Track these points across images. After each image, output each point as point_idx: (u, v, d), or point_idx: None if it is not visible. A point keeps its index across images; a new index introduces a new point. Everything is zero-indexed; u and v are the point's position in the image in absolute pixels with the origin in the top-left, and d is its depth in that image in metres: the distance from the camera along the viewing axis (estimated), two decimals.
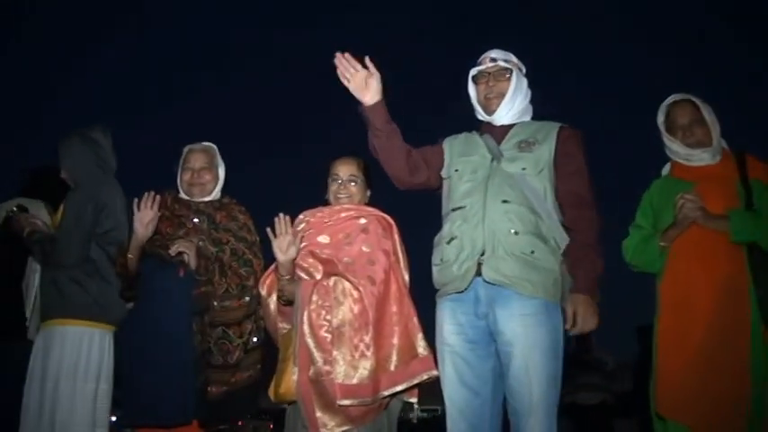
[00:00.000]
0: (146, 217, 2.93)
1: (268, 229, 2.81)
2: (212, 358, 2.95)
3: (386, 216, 3.01)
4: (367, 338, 2.72)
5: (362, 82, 2.60)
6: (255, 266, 3.11)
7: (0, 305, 3.43)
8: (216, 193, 3.26)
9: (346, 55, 2.60)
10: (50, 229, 3.22)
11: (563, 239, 2.57)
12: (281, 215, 2.80)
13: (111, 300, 3.12)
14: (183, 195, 3.24)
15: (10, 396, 3.22)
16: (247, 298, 3.04)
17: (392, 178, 2.86)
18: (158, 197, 2.97)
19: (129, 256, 3.00)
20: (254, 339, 3.06)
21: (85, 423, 2.97)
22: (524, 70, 2.82)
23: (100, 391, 3.05)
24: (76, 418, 2.95)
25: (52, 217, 3.45)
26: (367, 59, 2.60)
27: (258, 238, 3.19)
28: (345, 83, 2.61)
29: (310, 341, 2.74)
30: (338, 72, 2.60)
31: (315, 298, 2.77)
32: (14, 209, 3.22)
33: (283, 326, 2.97)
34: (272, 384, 2.89)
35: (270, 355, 3.10)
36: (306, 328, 2.74)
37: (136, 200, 2.96)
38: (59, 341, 3.00)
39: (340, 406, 2.63)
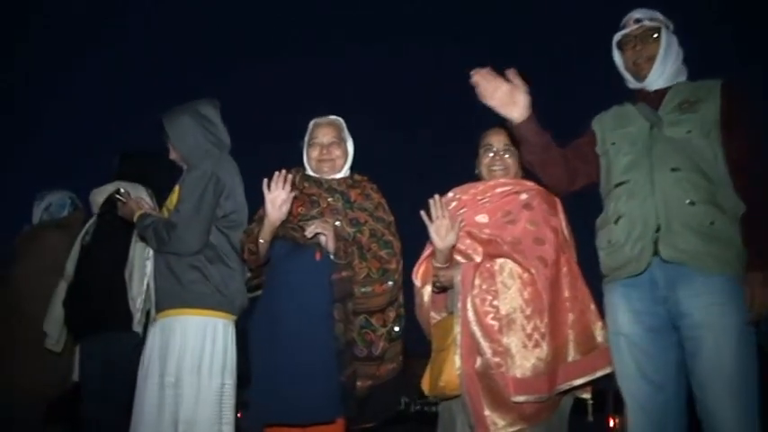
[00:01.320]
0: (278, 198, 2.63)
1: (422, 213, 2.53)
2: (356, 349, 2.61)
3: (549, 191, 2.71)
4: (542, 326, 2.43)
5: (507, 97, 2.34)
6: (396, 248, 2.79)
7: (103, 293, 3.16)
8: (346, 170, 2.95)
9: (487, 69, 2.33)
10: (159, 213, 2.91)
11: (740, 208, 2.27)
12: (437, 197, 2.53)
13: (234, 287, 2.83)
14: (310, 173, 2.92)
15: (115, 391, 3.06)
16: (390, 282, 2.72)
17: (550, 188, 2.62)
18: (290, 176, 2.65)
19: (261, 240, 2.69)
20: (396, 329, 2.72)
21: (211, 421, 2.65)
22: (672, 27, 2.53)
23: (225, 387, 2.71)
24: (201, 417, 2.63)
25: (152, 200, 3.20)
26: (511, 72, 2.34)
27: (393, 218, 2.88)
28: (487, 101, 2.35)
29: (476, 329, 2.45)
30: (478, 91, 2.35)
31: (478, 282, 2.49)
32: (121, 191, 2.89)
33: (434, 315, 2.70)
34: (427, 376, 2.61)
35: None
36: (470, 315, 2.46)
37: (266, 180, 2.65)
38: (180, 333, 2.68)
39: (514, 403, 2.35)
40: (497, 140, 2.76)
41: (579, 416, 2.69)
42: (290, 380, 2.57)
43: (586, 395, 2.59)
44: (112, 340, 3.14)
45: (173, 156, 2.96)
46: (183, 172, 2.95)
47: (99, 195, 3.29)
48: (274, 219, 2.64)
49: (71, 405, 3.49)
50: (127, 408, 2.79)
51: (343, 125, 2.99)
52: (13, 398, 3.36)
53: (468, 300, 2.47)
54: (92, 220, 3.32)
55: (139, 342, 2.92)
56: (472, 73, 2.33)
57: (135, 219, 2.81)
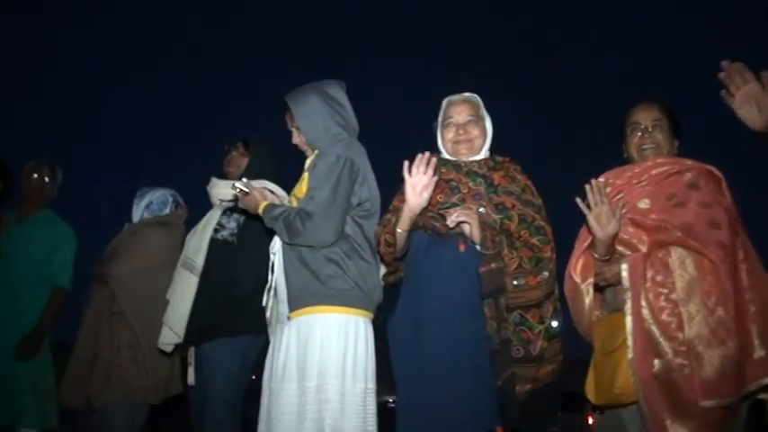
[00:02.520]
0: (419, 183, 2.40)
1: (578, 200, 2.34)
2: (512, 350, 2.37)
3: (711, 167, 2.42)
4: (728, 320, 2.17)
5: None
6: (549, 234, 2.53)
7: (246, 293, 3.01)
8: (485, 151, 2.69)
9: (739, 65, 2.02)
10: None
11: None
12: (594, 181, 2.34)
13: (371, 282, 2.61)
14: (447, 156, 2.68)
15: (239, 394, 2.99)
16: (545, 273, 2.45)
17: None
18: (434, 159, 2.40)
19: (399, 230, 2.46)
20: (554, 324, 2.47)
21: (357, 430, 2.43)
22: None
23: (368, 392, 2.51)
24: (348, 425, 2.42)
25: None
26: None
27: (542, 202, 2.61)
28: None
29: (654, 329, 2.22)
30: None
31: (650, 274, 2.26)
32: (244, 180, 2.70)
33: (595, 312, 2.49)
34: (592, 381, 2.39)
35: None
36: (645, 312, 2.23)
37: (406, 163, 2.42)
38: (320, 333, 2.47)
39: (702, 409, 2.11)
40: (644, 117, 2.53)
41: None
42: (439, 386, 2.37)
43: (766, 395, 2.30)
44: (250, 343, 3.02)
45: (296, 140, 2.75)
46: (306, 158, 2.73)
47: (223, 187, 3.11)
48: (414, 205, 2.42)
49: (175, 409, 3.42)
50: None
51: (480, 102, 2.73)
52: (109, 401, 3.26)
53: (642, 295, 2.23)
54: (215, 213, 3.13)
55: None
56: (723, 65, 2.02)
57: (260, 210, 2.61)
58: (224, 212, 3.11)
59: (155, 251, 3.32)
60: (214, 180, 3.19)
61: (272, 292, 2.66)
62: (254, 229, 2.99)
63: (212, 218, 3.11)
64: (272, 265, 2.67)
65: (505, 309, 2.39)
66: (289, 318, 2.53)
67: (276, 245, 2.65)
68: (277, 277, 2.64)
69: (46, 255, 3.39)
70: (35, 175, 3.51)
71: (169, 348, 3.06)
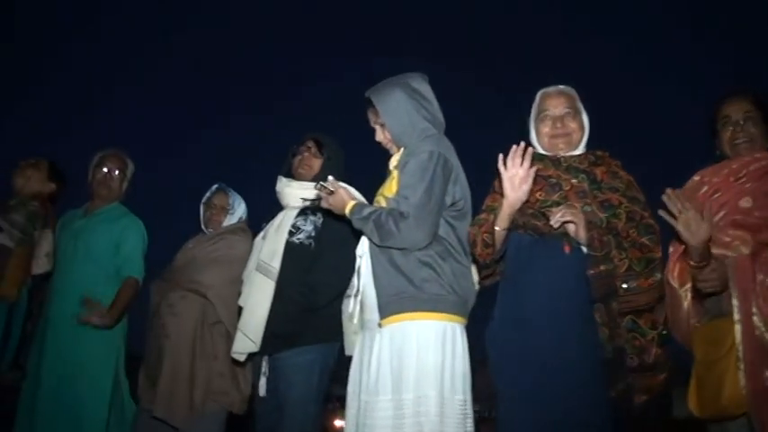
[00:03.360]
0: (516, 176, 2.26)
1: (662, 212, 2.21)
2: (627, 359, 2.20)
3: None
4: None
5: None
6: (657, 233, 2.35)
7: (330, 299, 2.86)
8: (583, 146, 2.52)
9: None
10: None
11: None
12: (670, 191, 2.19)
13: (466, 287, 2.45)
14: (541, 151, 2.52)
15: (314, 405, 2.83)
16: (657, 275, 2.29)
17: None
18: (529, 149, 2.24)
19: (498, 228, 2.30)
20: (665, 331, 2.30)
21: None
22: None
23: (467, 405, 2.34)
24: None
25: None
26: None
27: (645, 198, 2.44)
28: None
29: (767, 337, 2.05)
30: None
31: (760, 277, 2.11)
32: (330, 179, 2.54)
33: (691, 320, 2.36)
34: (694, 393, 2.27)
35: None
36: (756, 320, 2.08)
37: (501, 156, 2.26)
38: (416, 341, 2.30)
39: None
40: (735, 110, 2.39)
41: None
42: (545, 396, 2.21)
43: None
44: (329, 351, 2.87)
45: (380, 138, 2.60)
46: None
47: (298, 188, 2.95)
48: (514, 200, 2.28)
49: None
50: None
51: (576, 95, 2.55)
52: (209, 413, 3.14)
53: (752, 301, 2.08)
54: (289, 215, 2.96)
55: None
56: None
57: (348, 210, 2.45)
58: (299, 214, 2.94)
59: (244, 259, 3.14)
60: (285, 180, 3.03)
61: (358, 298, 2.49)
62: (332, 231, 2.85)
63: (286, 220, 2.95)
64: (359, 269, 2.51)
65: (617, 314, 2.22)
66: (380, 325, 2.37)
67: (363, 247, 2.49)
68: (364, 282, 2.47)
69: (109, 250, 3.19)
70: (103, 169, 3.31)
71: (242, 357, 2.90)
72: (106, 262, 3.15)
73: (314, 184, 2.92)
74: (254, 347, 2.81)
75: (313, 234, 2.90)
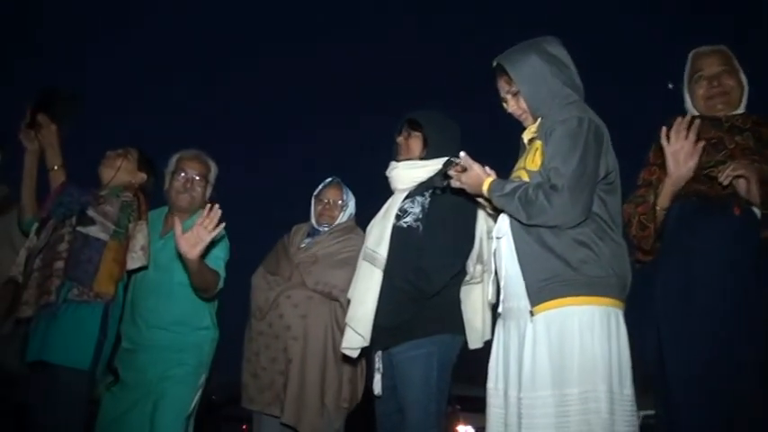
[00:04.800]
0: (681, 150, 2.10)
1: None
2: None
3: None
4: None
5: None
6: None
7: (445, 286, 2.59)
8: (744, 105, 2.27)
9: None
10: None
11: None
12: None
13: (625, 267, 2.18)
14: (695, 112, 2.29)
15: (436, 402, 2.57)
16: None
17: None
18: (696, 121, 2.01)
19: (659, 208, 2.07)
20: None
21: None
22: None
23: (633, 398, 2.09)
24: None
25: None
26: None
27: None
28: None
29: None
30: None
31: None
32: (462, 154, 2.27)
33: None
34: None
35: None
36: None
37: (664, 129, 2.10)
38: (579, 329, 2.04)
39: None
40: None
41: None
42: (718, 378, 2.03)
43: None
44: (448, 343, 2.61)
45: (512, 108, 2.34)
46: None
47: (404, 168, 2.70)
48: (677, 178, 2.10)
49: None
50: None
51: (731, 53, 2.30)
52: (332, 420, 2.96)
53: None
54: (397, 198, 2.70)
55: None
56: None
57: (486, 187, 2.20)
58: (407, 197, 2.69)
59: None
60: (394, 163, 2.77)
61: (502, 283, 2.23)
62: (440, 211, 2.60)
63: (393, 204, 2.69)
64: (496, 252, 2.26)
65: None
66: (532, 313, 2.11)
67: (503, 227, 2.23)
68: (507, 266, 2.22)
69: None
70: (182, 174, 2.85)
71: (355, 353, 2.65)
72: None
73: (417, 162, 2.70)
74: (364, 342, 2.57)
75: (420, 216, 2.63)
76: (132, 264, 2.60)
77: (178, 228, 2.43)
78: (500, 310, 2.24)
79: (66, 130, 2.69)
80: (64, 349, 2.45)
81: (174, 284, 2.73)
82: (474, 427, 9.72)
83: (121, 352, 2.73)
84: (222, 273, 2.77)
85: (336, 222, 3.22)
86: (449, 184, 2.34)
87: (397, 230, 2.65)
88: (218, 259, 2.76)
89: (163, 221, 2.91)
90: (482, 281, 2.66)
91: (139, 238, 2.61)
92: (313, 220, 3.25)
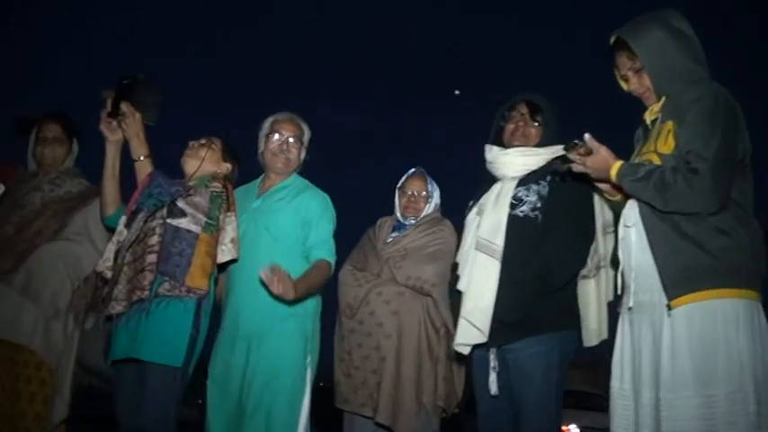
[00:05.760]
0: None
1: None
2: None
3: None
4: None
5: None
6: None
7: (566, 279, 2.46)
8: None
9: None
10: None
11: None
12: None
13: (762, 256, 2.02)
14: None
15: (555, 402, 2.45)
16: None
17: None
18: None
19: None
20: None
21: None
22: None
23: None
24: None
25: None
26: None
27: None
28: None
29: None
30: None
31: None
32: (587, 136, 2.12)
33: None
34: None
35: None
36: None
37: None
38: (723, 324, 1.90)
39: None
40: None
41: None
42: None
43: None
44: (569, 340, 2.47)
45: (633, 86, 2.19)
46: None
47: (517, 155, 2.55)
48: None
49: None
50: None
51: None
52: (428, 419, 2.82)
53: None
54: (508, 186, 2.53)
55: None
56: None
57: (615, 171, 2.04)
58: (519, 184, 2.53)
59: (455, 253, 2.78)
60: (497, 149, 2.60)
61: (632, 275, 2.07)
62: (561, 201, 2.45)
63: (504, 191, 2.52)
64: (624, 241, 2.11)
65: None
66: (669, 307, 1.95)
67: (632, 215, 2.07)
68: (637, 257, 2.06)
69: (296, 231, 2.67)
70: (276, 136, 2.77)
71: (467, 350, 2.49)
72: (293, 245, 2.67)
73: (531, 149, 2.55)
74: (482, 337, 2.40)
75: (538, 205, 2.47)
76: (223, 257, 2.47)
77: (267, 277, 2.34)
78: (630, 304, 2.08)
79: (152, 117, 2.55)
80: (156, 346, 2.33)
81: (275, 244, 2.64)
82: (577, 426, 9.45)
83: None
84: (330, 256, 2.66)
85: (423, 214, 3.08)
86: (570, 169, 2.19)
87: (513, 220, 2.49)
88: (322, 236, 2.67)
89: (259, 185, 2.84)
90: (596, 275, 2.50)
91: (229, 231, 2.48)
92: (398, 213, 3.12)
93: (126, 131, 2.53)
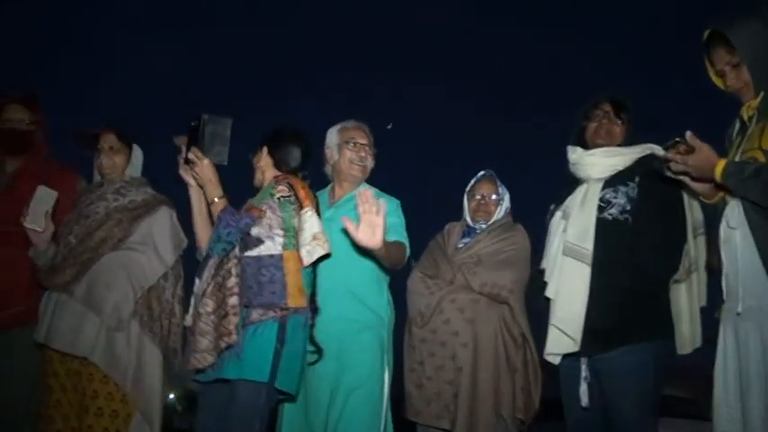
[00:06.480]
0: None
1: None
2: None
3: None
4: None
5: None
6: None
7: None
8: None
9: None
10: None
11: None
12: None
13: None
14: None
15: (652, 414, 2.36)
16: None
17: None
18: None
19: None
20: None
21: None
22: None
23: None
24: None
25: None
26: None
27: None
28: None
29: None
30: None
31: None
32: (689, 133, 2.02)
33: None
34: None
35: None
36: None
37: None
38: None
39: None
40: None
41: None
42: None
43: None
44: (664, 349, 2.36)
45: (730, 81, 2.11)
46: None
47: (603, 156, 2.46)
48: None
49: None
50: None
51: None
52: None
53: None
54: (593, 187, 2.44)
55: None
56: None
57: (719, 171, 1.94)
58: (605, 185, 2.44)
59: (530, 259, 2.77)
60: (580, 150, 2.52)
61: (738, 279, 1.98)
62: (651, 203, 2.37)
63: (591, 193, 2.44)
64: (725, 243, 2.02)
65: None
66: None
67: (736, 216, 1.98)
68: (743, 260, 1.97)
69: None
70: (350, 144, 2.74)
71: (557, 360, 2.40)
72: (367, 255, 2.54)
73: (617, 149, 2.47)
74: (574, 346, 2.31)
75: (628, 207, 2.38)
76: (309, 258, 2.35)
77: (351, 227, 2.22)
78: (738, 309, 1.98)
79: (222, 157, 2.42)
80: (241, 364, 2.24)
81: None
82: None
83: None
84: (405, 240, 2.60)
85: (493, 219, 2.97)
86: (669, 168, 2.09)
87: (601, 223, 2.40)
88: (396, 226, 2.59)
89: (328, 194, 2.79)
90: (687, 279, 2.40)
91: (307, 229, 2.37)
92: (468, 218, 3.01)
93: (198, 179, 2.43)
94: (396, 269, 2.60)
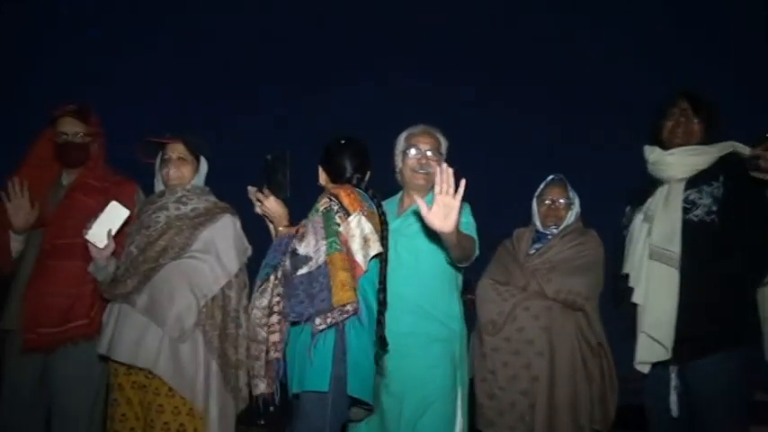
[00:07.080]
0: None
1: None
2: None
3: None
4: None
5: None
6: None
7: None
8: None
9: None
10: None
11: None
12: None
13: None
14: None
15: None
16: None
17: None
18: None
19: None
20: None
21: None
22: None
23: None
24: None
25: None
26: None
27: None
28: None
29: None
30: None
31: None
32: None
33: None
34: None
35: None
36: None
37: None
38: None
39: None
40: None
41: None
42: None
43: None
44: (759, 355, 2.29)
45: None
46: None
47: (684, 155, 2.39)
48: None
49: None
50: None
51: None
52: None
53: None
54: (675, 188, 2.38)
55: None
56: None
57: None
58: (688, 186, 2.36)
59: (603, 265, 2.74)
60: (659, 150, 2.45)
61: None
62: (738, 203, 2.30)
63: (674, 194, 2.37)
64: None
65: None
66: None
67: None
68: None
69: (438, 255, 2.54)
70: (413, 151, 2.68)
71: (647, 369, 2.32)
72: (436, 267, 2.56)
73: (698, 147, 2.39)
74: (666, 354, 2.23)
75: (714, 208, 2.32)
76: (365, 259, 2.30)
77: (423, 206, 2.14)
78: None
79: (284, 193, 2.50)
80: (303, 376, 2.24)
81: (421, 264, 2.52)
82: None
83: None
84: (474, 234, 2.51)
85: (564, 224, 2.91)
86: (757, 166, 2.01)
87: (687, 225, 2.34)
88: (467, 224, 2.51)
89: (398, 204, 2.72)
90: None
91: (358, 234, 2.33)
92: (537, 223, 2.95)
93: (267, 215, 2.52)
94: (464, 265, 2.50)
